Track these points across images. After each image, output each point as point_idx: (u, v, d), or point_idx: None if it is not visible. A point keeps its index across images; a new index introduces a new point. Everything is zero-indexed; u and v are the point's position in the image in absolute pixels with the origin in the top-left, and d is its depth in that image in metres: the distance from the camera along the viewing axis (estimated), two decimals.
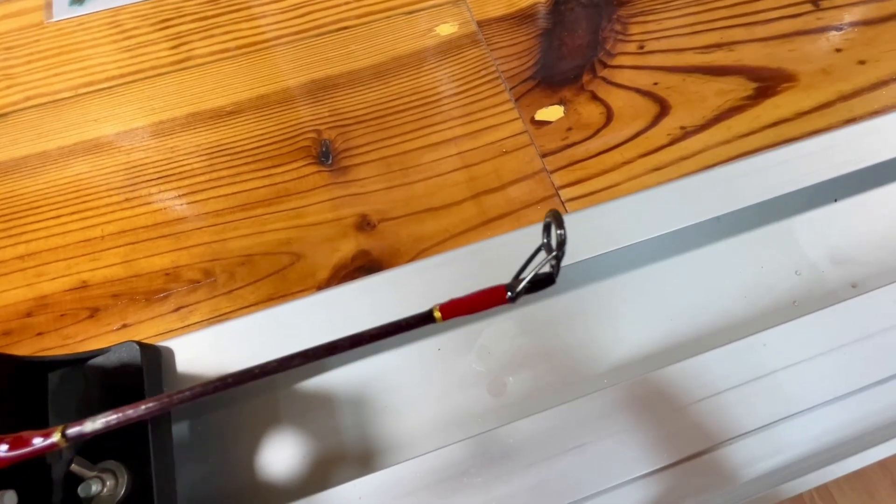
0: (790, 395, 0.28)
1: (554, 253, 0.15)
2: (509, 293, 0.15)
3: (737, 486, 0.28)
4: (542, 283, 0.16)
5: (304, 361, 0.16)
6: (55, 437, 0.15)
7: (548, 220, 0.15)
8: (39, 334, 0.33)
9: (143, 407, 0.16)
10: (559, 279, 0.16)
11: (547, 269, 0.16)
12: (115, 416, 0.15)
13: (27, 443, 0.15)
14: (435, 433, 0.30)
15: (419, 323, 0.15)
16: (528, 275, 0.16)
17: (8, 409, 0.24)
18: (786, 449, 0.28)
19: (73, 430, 0.15)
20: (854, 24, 0.43)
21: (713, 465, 0.28)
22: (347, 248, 0.35)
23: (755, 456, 0.28)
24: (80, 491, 0.22)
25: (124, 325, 0.33)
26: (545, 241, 0.16)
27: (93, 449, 0.24)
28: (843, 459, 0.27)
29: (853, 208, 0.36)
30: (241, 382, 0.16)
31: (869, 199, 0.36)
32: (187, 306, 0.34)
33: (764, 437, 0.28)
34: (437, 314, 0.14)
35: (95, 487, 0.23)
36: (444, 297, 0.31)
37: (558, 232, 0.15)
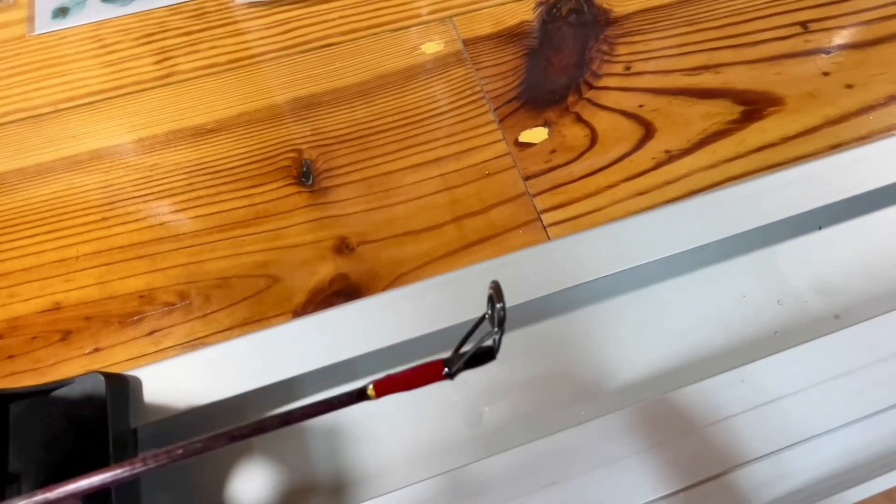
0: (772, 430, 0.28)
1: (495, 329, 0.14)
2: (446, 369, 0.15)
3: None
4: (481, 358, 0.15)
5: (230, 442, 0.15)
6: None
7: (490, 291, 0.15)
8: (10, 357, 0.33)
9: (83, 482, 0.15)
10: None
11: (489, 342, 0.15)
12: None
13: None
14: (409, 464, 0.29)
15: (352, 401, 0.14)
16: (468, 350, 0.15)
17: None
18: (773, 484, 0.27)
19: None
20: (842, 48, 0.43)
21: None
22: (325, 271, 0.35)
23: (737, 496, 0.27)
24: None
25: (96, 349, 0.33)
26: (489, 312, 0.16)
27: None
28: (821, 500, 0.26)
29: (837, 237, 0.35)
30: (163, 464, 0.15)
31: (853, 227, 0.35)
32: (161, 330, 0.33)
33: (747, 473, 0.27)
34: (371, 392, 0.14)
35: None
36: (422, 327, 0.30)
37: (498, 306, 0.14)
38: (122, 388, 0.27)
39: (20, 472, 0.24)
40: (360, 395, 0.14)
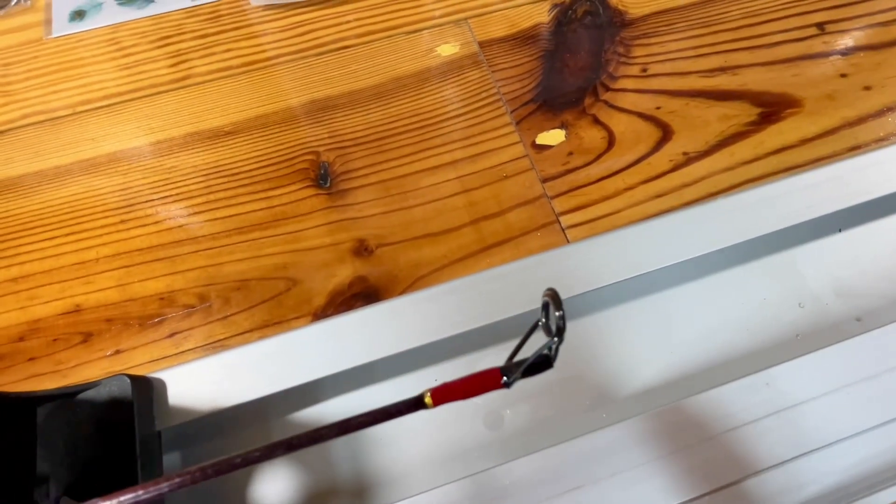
0: (793, 435, 0.28)
1: (553, 339, 0.14)
2: (504, 378, 0.15)
3: None
4: (539, 367, 0.15)
5: (287, 451, 0.15)
6: None
7: (545, 299, 0.15)
8: (31, 359, 0.33)
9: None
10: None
11: (546, 350, 0.15)
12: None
13: None
14: (429, 467, 0.29)
15: (409, 409, 0.14)
16: (525, 357, 0.15)
17: None
18: (792, 490, 0.27)
19: None
20: (860, 49, 0.42)
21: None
22: (344, 273, 0.35)
23: (760, 500, 0.27)
24: None
25: (117, 351, 0.33)
26: (543, 320, 0.16)
27: (81, 488, 0.24)
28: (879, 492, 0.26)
29: (858, 239, 0.35)
30: (222, 473, 0.15)
31: (874, 229, 0.35)
32: (181, 332, 0.33)
33: (768, 478, 0.27)
34: (428, 400, 0.14)
35: None
36: (440, 332, 0.30)
37: (557, 314, 0.14)
38: (147, 390, 0.27)
39: (49, 474, 0.24)
40: (417, 404, 0.14)
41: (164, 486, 0.15)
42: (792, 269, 0.34)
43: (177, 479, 0.15)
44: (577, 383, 0.31)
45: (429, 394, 0.14)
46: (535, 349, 0.16)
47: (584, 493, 0.26)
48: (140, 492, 0.14)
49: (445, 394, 0.14)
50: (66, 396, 0.25)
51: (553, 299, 0.14)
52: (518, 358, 0.15)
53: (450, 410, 0.31)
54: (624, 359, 0.32)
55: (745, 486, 0.27)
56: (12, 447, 0.24)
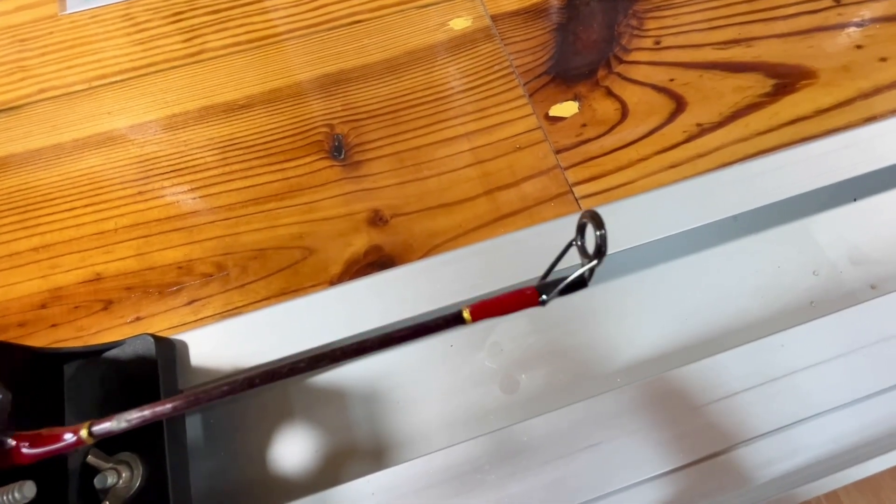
0: (807, 397, 0.28)
1: (593, 260, 0.14)
2: (543, 297, 0.15)
3: (751, 488, 0.27)
4: (574, 287, 0.15)
5: (332, 362, 0.15)
6: (82, 434, 0.15)
7: (584, 220, 0.15)
8: (53, 326, 0.34)
9: (169, 405, 0.15)
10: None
11: (582, 271, 0.15)
12: (141, 414, 0.15)
13: (56, 439, 0.15)
14: (447, 430, 0.30)
15: (448, 324, 0.14)
16: (560, 276, 0.15)
17: (24, 399, 0.24)
18: (802, 451, 0.28)
19: (100, 428, 0.15)
20: (875, 21, 0.42)
21: (728, 467, 0.27)
22: (360, 243, 0.35)
23: (770, 458, 0.27)
24: (97, 482, 0.23)
25: (138, 318, 0.33)
26: (578, 242, 0.16)
27: (108, 440, 0.24)
28: (859, 463, 0.27)
29: (873, 208, 0.35)
30: (267, 381, 0.15)
31: (889, 198, 0.35)
32: (200, 300, 0.34)
33: (780, 440, 0.28)
34: (467, 315, 0.14)
35: (111, 479, 0.23)
36: (457, 295, 0.31)
37: (598, 233, 0.14)
38: (169, 350, 0.27)
39: None
40: (456, 319, 0.14)
41: (225, 387, 0.15)
42: (807, 237, 0.34)
43: (226, 387, 0.15)
44: (593, 348, 0.32)
45: (467, 309, 0.14)
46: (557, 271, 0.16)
47: (601, 449, 0.26)
48: (210, 389, 0.15)
49: (483, 310, 0.14)
50: (92, 354, 0.26)
51: (594, 219, 0.14)
52: (551, 278, 0.15)
53: (466, 375, 0.31)
54: (640, 324, 0.32)
55: (762, 442, 0.27)
56: (41, 401, 0.24)
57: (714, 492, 0.27)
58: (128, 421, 0.15)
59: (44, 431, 0.15)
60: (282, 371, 0.15)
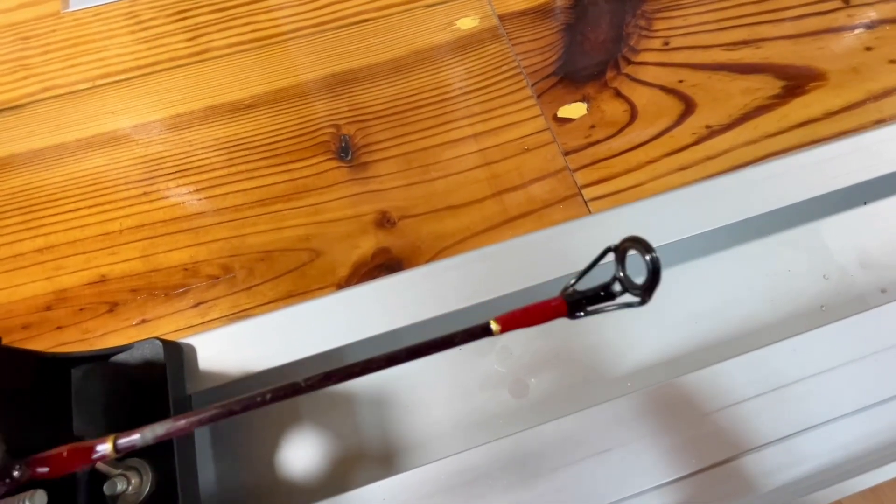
0: (818, 404, 0.28)
1: (646, 292, 0.14)
2: (579, 313, 0.15)
3: (758, 496, 0.27)
4: (603, 302, 0.15)
5: (362, 373, 0.15)
6: (107, 448, 0.14)
7: (626, 245, 0.14)
8: (59, 328, 0.33)
9: (195, 418, 0.15)
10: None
11: (626, 297, 0.15)
12: (166, 428, 0.15)
13: (82, 455, 0.14)
14: (457, 434, 0.30)
15: (474, 337, 0.14)
16: (601, 304, 0.15)
17: (31, 404, 0.23)
18: (811, 459, 0.27)
19: (124, 441, 0.15)
20: (884, 22, 0.42)
21: (737, 474, 0.27)
22: (367, 245, 0.35)
23: (779, 465, 0.27)
24: (106, 489, 0.22)
25: (144, 321, 0.33)
26: (620, 274, 0.15)
27: None
28: (869, 471, 0.26)
29: (883, 211, 0.35)
30: (289, 396, 0.15)
31: None
32: (206, 302, 0.34)
33: (788, 447, 0.28)
34: (495, 327, 0.14)
35: (121, 485, 0.23)
36: (466, 299, 0.31)
37: (649, 257, 0.14)
38: (178, 354, 0.27)
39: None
40: (483, 331, 0.14)
41: (255, 398, 0.15)
42: (817, 241, 0.34)
43: (269, 395, 0.15)
44: (601, 352, 0.31)
45: (496, 322, 0.14)
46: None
47: (610, 456, 0.26)
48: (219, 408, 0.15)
49: (512, 321, 0.14)
50: (100, 359, 0.26)
51: (639, 243, 0.14)
52: (580, 287, 0.15)
53: (475, 379, 0.31)
54: (649, 328, 0.32)
55: (775, 448, 0.27)
56: (48, 406, 0.24)
57: (723, 499, 0.27)
58: (152, 434, 0.15)
59: (66, 449, 0.15)
60: (299, 386, 0.15)
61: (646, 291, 0.14)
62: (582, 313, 0.15)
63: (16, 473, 0.14)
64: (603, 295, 0.15)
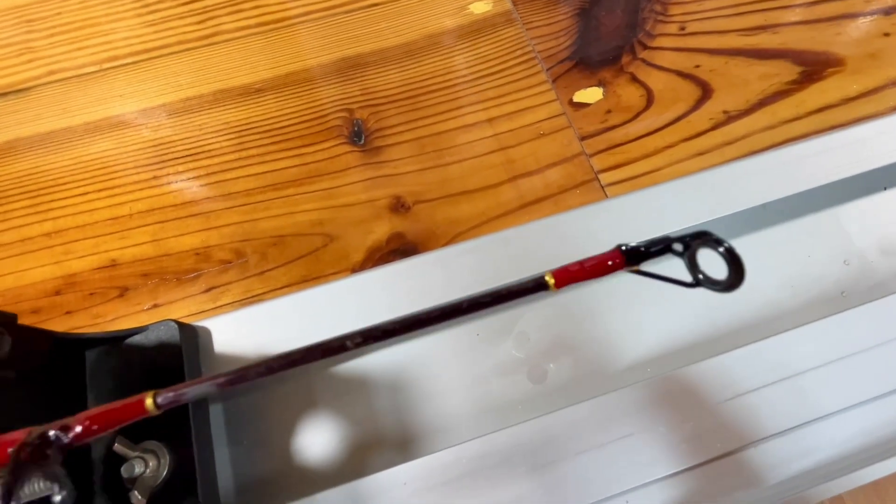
0: (838, 390, 0.27)
1: (732, 280, 0.13)
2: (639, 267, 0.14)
3: (766, 487, 0.27)
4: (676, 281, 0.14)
5: (407, 330, 0.14)
6: (147, 404, 0.14)
7: (694, 242, 0.14)
8: (68, 313, 0.33)
9: (228, 375, 0.15)
10: None
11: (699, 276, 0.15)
12: (208, 384, 0.15)
13: (123, 410, 0.14)
14: (475, 420, 0.29)
15: (530, 290, 0.14)
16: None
17: (46, 384, 0.23)
18: (826, 448, 0.27)
19: (164, 397, 0.14)
20: None
21: (751, 463, 0.27)
22: (382, 230, 0.34)
23: (788, 456, 0.27)
24: (124, 471, 0.22)
25: (155, 305, 0.33)
26: (701, 276, 0.15)
27: (133, 429, 0.24)
28: (882, 461, 0.26)
29: None
30: (333, 353, 0.15)
31: None
32: (219, 287, 0.33)
33: (798, 437, 0.27)
34: (550, 280, 0.13)
35: (138, 468, 0.22)
36: (484, 282, 0.30)
37: (723, 248, 0.13)
38: (193, 337, 0.27)
39: None
40: (539, 286, 0.14)
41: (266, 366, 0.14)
42: (837, 226, 0.34)
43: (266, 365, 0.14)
44: (619, 338, 0.31)
45: (551, 274, 0.14)
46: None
47: (637, 440, 0.26)
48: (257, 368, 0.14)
49: (568, 275, 0.13)
50: (115, 340, 0.25)
51: (707, 237, 0.13)
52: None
53: (493, 364, 0.30)
54: (668, 314, 0.32)
55: (808, 428, 0.27)
56: (63, 387, 0.24)
57: (742, 486, 0.26)
58: (194, 392, 0.14)
59: (109, 407, 0.14)
60: (344, 343, 0.14)
61: (729, 287, 0.13)
62: (639, 267, 0.14)
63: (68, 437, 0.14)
64: (661, 249, 0.14)
